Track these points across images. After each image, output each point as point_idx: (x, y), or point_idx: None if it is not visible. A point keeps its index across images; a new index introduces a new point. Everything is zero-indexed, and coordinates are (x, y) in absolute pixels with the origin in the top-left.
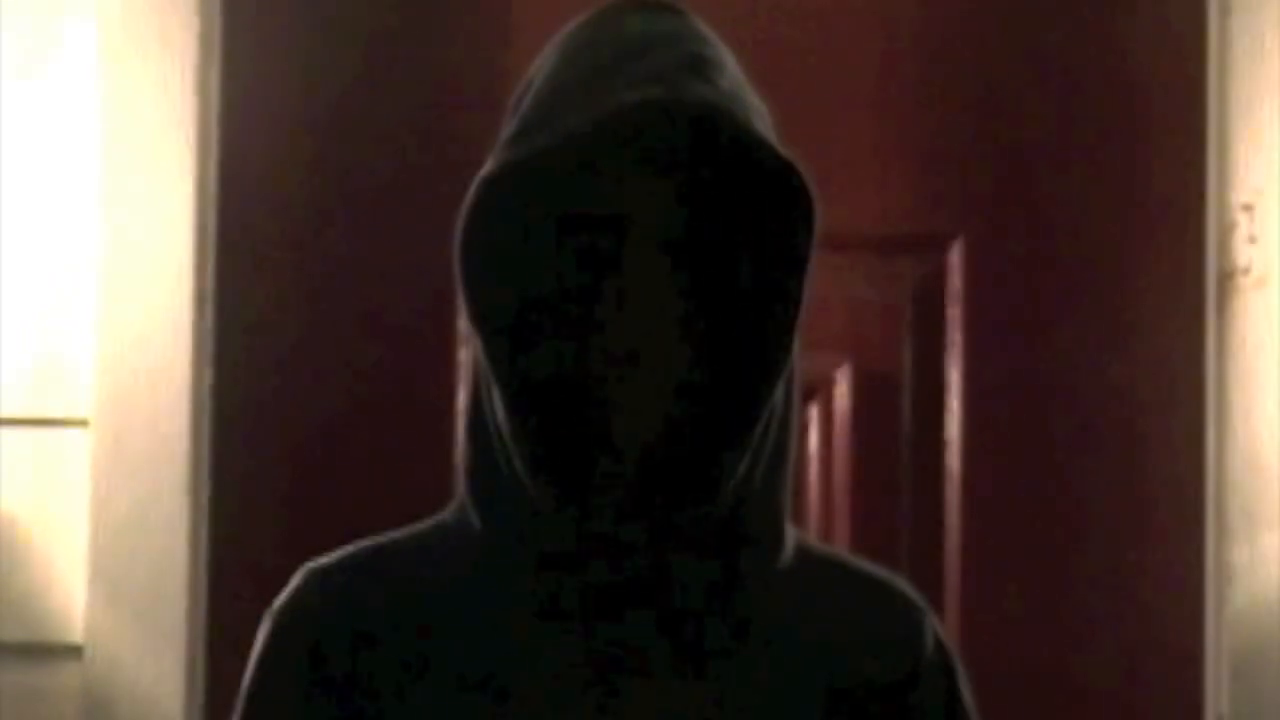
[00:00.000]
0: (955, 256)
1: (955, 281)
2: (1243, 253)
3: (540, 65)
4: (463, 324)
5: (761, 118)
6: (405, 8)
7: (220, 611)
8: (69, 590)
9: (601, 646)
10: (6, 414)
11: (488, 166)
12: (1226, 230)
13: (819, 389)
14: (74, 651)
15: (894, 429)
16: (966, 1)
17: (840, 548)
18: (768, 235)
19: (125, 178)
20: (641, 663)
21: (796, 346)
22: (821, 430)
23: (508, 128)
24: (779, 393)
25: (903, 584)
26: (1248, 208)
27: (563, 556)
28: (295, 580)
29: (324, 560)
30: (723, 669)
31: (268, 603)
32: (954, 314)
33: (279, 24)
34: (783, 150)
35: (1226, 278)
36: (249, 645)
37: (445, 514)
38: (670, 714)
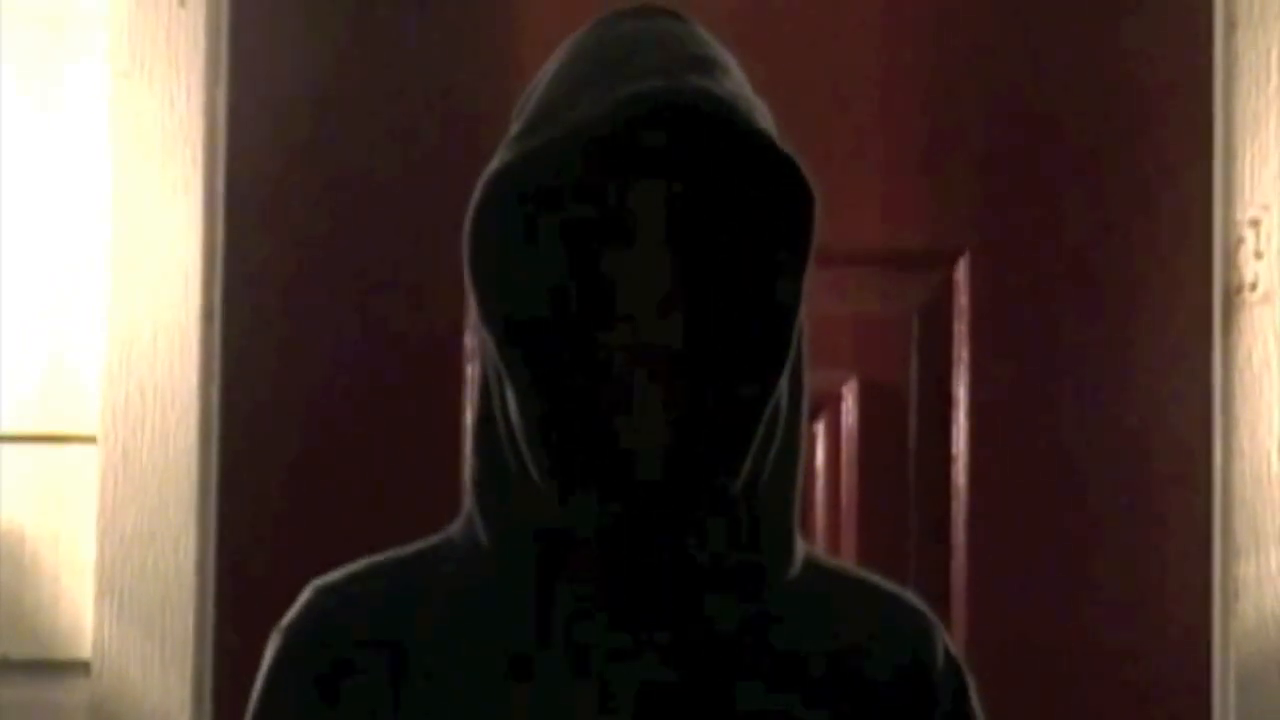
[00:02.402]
0: (962, 272)
1: (962, 297)
2: (1249, 268)
3: (544, 71)
4: (470, 340)
5: (764, 117)
6: (412, 26)
7: (228, 627)
8: (77, 606)
9: (609, 657)
10: (14, 430)
11: (493, 164)
12: (1232, 246)
13: (826, 404)
14: (82, 667)
15: (901, 444)
16: (973, 18)
17: (848, 562)
18: (770, 229)
19: (133, 194)
20: (650, 674)
21: (806, 351)
22: (828, 445)
23: (512, 129)
24: (785, 400)
25: (913, 597)
26: (1254, 223)
27: (570, 568)
28: (303, 597)
29: (331, 577)
30: (732, 680)
31: (276, 618)
32: (960, 330)
33: (285, 43)
34: (783, 144)
35: (1233, 293)
36: (257, 661)
37: (452, 529)
38: None
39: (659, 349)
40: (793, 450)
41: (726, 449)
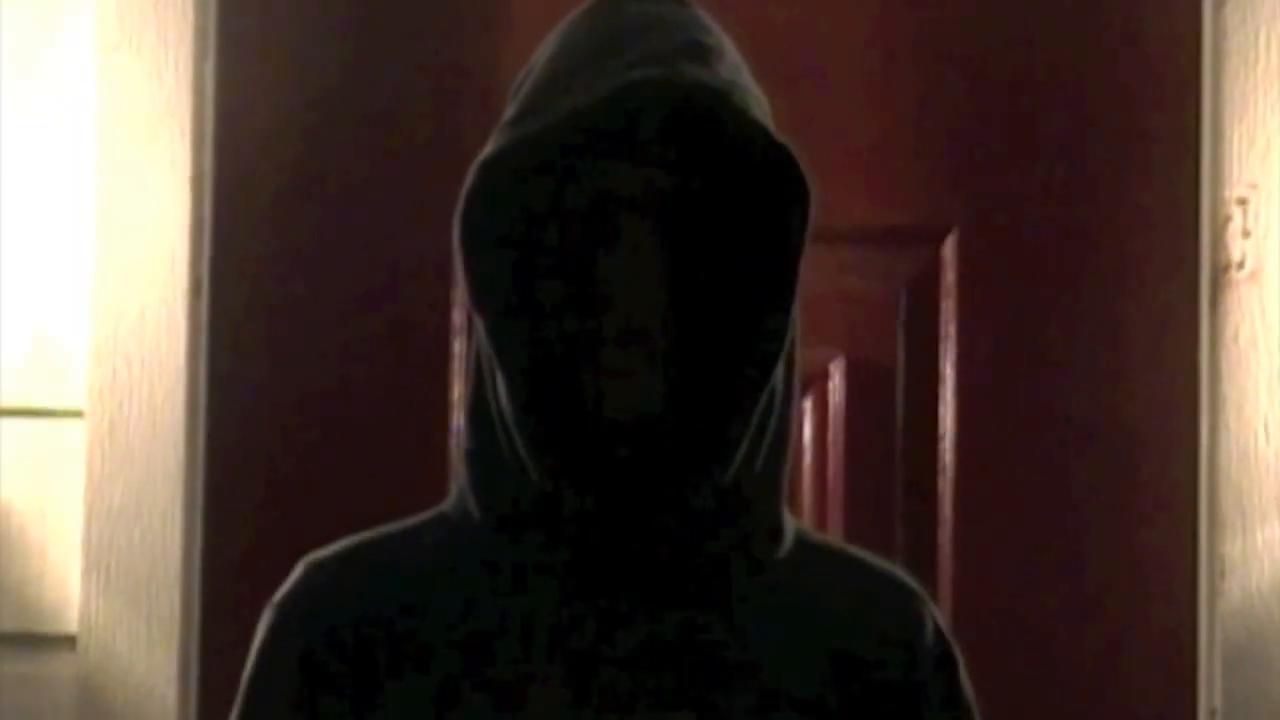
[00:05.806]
0: (949, 250)
1: (949, 275)
2: (1236, 247)
3: (541, 52)
4: (459, 315)
5: (759, 104)
6: (403, 0)
7: (214, 601)
8: (63, 580)
9: (598, 633)
10: (1, 405)
11: (488, 149)
12: (1220, 224)
13: (813, 381)
14: (68, 641)
15: (888, 422)
16: None
17: (837, 539)
18: (764, 218)
19: (120, 168)
20: (639, 648)
21: (797, 334)
22: (816, 422)
23: (507, 112)
24: (779, 381)
25: (902, 574)
26: (1242, 202)
27: (561, 545)
28: (296, 572)
29: (324, 552)
30: (722, 655)
31: (262, 592)
32: (948, 307)
33: (273, 15)
34: (778, 135)
35: (1220, 271)
36: (243, 634)
37: (444, 505)
38: (669, 700)
39: (647, 335)
40: (784, 430)
41: (718, 437)
